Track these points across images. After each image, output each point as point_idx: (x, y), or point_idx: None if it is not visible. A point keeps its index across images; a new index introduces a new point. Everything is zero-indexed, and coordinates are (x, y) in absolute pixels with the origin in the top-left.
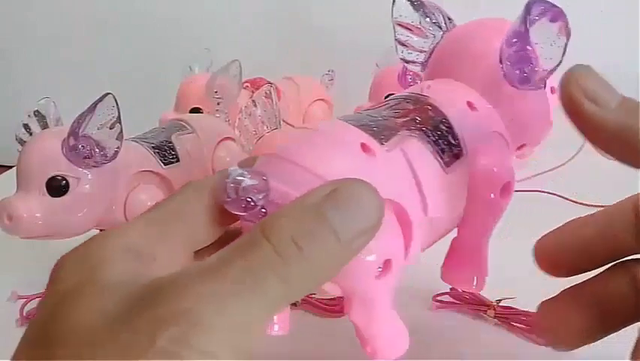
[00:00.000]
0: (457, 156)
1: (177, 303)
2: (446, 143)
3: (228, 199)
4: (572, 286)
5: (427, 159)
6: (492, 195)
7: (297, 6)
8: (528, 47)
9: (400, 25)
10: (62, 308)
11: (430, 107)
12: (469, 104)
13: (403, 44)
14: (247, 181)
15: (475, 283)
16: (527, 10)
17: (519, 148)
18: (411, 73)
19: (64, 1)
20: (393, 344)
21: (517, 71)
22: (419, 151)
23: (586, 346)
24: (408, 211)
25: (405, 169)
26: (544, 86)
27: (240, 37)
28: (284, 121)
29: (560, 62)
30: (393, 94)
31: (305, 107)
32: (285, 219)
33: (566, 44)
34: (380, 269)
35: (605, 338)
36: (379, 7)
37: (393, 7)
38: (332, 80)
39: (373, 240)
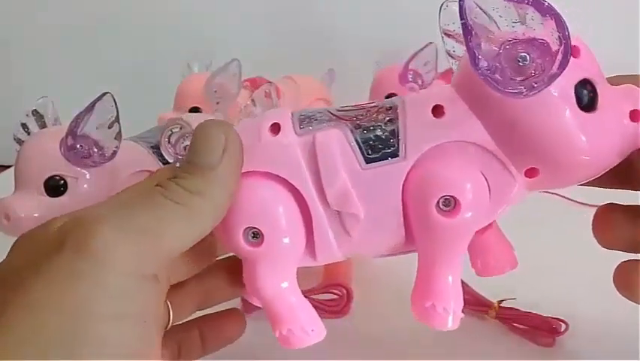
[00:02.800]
0: (386, 156)
1: (85, 215)
2: (379, 141)
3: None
4: None
5: (341, 150)
6: (427, 209)
7: (297, 6)
8: (466, 21)
9: (447, 35)
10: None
11: (388, 108)
12: (437, 109)
13: (451, 57)
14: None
15: (437, 311)
16: None
17: (529, 174)
18: (412, 72)
19: (64, 1)
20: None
21: (475, 60)
22: (334, 141)
23: (586, 346)
24: (303, 195)
25: (305, 153)
26: (541, 89)
27: (239, 37)
28: None
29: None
30: (393, 94)
31: (305, 106)
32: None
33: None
34: (255, 238)
35: (606, 337)
36: (379, 7)
37: (440, 13)
38: (332, 79)
39: (237, 205)
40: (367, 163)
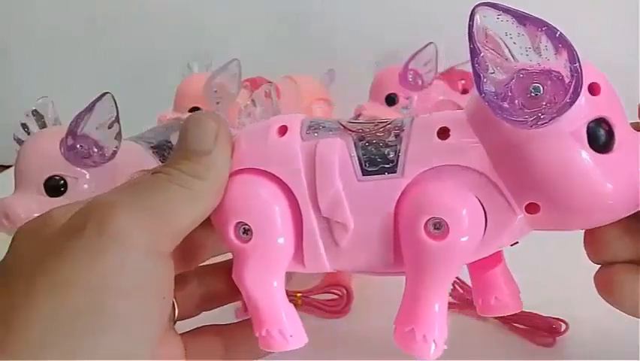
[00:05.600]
0: (384, 171)
1: (101, 201)
2: (379, 155)
3: None
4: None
5: (340, 159)
6: (415, 229)
7: (297, 6)
8: (475, 49)
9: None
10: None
11: (398, 126)
12: (443, 131)
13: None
14: None
15: (416, 338)
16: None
17: (529, 209)
18: (412, 72)
19: (63, 1)
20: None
21: (481, 87)
22: (335, 150)
23: (586, 346)
24: (297, 198)
25: (306, 158)
26: (546, 120)
27: (239, 37)
28: None
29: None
30: (394, 94)
31: (305, 106)
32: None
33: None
34: (245, 234)
35: (606, 337)
36: (379, 7)
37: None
38: (332, 79)
39: (231, 200)
40: (364, 175)
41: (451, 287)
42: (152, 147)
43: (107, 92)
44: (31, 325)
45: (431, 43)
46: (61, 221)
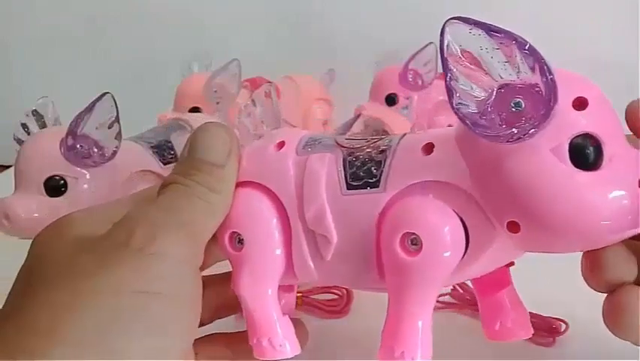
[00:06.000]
0: (366, 186)
1: (141, 216)
2: (363, 170)
3: None
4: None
5: (328, 174)
6: (391, 244)
7: (297, 6)
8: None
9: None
10: (40, 249)
11: (386, 143)
12: (427, 146)
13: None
14: None
15: (395, 356)
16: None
17: (510, 227)
18: (412, 72)
19: (63, 1)
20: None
21: (454, 103)
22: (324, 165)
23: (586, 346)
24: (287, 210)
25: (296, 172)
26: (520, 135)
27: (239, 37)
28: (284, 120)
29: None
30: (394, 94)
31: (305, 106)
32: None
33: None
34: (240, 244)
35: (606, 337)
36: (379, 7)
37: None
38: (332, 79)
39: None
40: (348, 190)
41: (451, 287)
42: (152, 147)
43: (107, 92)
44: (77, 325)
45: (431, 43)
46: (84, 225)
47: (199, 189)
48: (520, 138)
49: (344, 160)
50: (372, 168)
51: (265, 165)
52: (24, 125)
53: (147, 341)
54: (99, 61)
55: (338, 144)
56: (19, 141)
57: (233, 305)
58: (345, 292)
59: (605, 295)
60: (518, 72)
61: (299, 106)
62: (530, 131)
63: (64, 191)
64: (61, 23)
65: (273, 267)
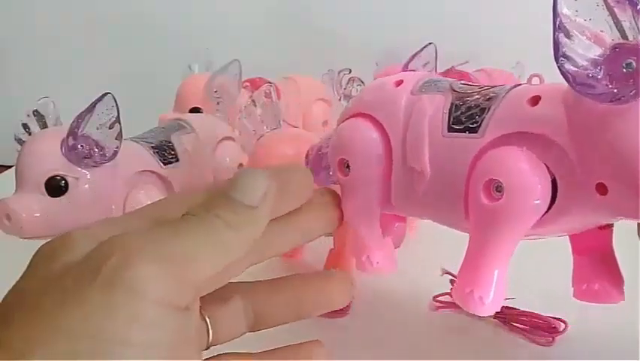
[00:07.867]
0: (466, 130)
1: (120, 243)
2: (466, 115)
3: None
4: None
5: (433, 114)
6: (475, 189)
7: (297, 6)
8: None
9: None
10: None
11: (495, 92)
12: (534, 98)
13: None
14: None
15: (474, 298)
16: None
17: (599, 189)
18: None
19: (64, 1)
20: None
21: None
22: (432, 105)
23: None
24: (390, 141)
25: (406, 109)
26: (619, 97)
27: (240, 37)
28: (284, 121)
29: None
30: None
31: (305, 106)
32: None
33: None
34: (347, 169)
35: (605, 337)
36: (379, 7)
37: None
38: (332, 80)
39: (339, 139)
40: (448, 132)
41: (451, 288)
42: (152, 147)
43: (108, 93)
44: None
45: (431, 43)
46: (81, 245)
47: (212, 222)
48: (621, 98)
49: (451, 104)
50: (476, 114)
51: (380, 98)
52: (25, 126)
53: None
54: (100, 61)
55: (452, 88)
56: (20, 141)
57: (272, 316)
58: None
59: None
60: (636, 33)
61: (299, 106)
62: (631, 93)
63: (65, 191)
64: (62, 23)
65: (375, 194)
